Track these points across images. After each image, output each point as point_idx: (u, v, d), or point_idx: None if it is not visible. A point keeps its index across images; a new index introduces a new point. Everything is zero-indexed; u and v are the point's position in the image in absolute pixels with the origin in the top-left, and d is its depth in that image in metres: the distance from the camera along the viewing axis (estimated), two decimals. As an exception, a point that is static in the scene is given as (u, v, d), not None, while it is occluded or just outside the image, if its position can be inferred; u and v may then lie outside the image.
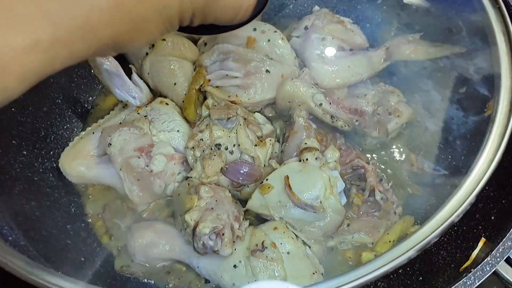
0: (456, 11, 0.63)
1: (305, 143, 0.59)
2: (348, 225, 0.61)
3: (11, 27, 0.30)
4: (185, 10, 0.39)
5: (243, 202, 0.59)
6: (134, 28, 0.36)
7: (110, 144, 0.60)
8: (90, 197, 0.64)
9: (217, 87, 0.62)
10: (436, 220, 0.48)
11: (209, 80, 0.62)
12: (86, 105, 0.69)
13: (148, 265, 0.59)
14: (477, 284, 0.52)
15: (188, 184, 0.59)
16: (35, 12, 0.30)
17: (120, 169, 0.59)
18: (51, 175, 0.62)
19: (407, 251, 0.46)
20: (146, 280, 0.59)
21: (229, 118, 0.60)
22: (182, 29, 0.44)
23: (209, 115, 0.61)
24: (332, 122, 0.63)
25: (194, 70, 0.64)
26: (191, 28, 0.45)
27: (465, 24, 0.62)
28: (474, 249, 0.57)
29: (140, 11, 0.36)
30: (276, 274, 0.55)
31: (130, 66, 0.65)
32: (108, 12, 0.34)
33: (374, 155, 0.65)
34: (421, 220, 0.61)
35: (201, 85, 0.62)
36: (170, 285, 0.59)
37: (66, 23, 0.32)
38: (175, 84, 0.64)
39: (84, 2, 0.33)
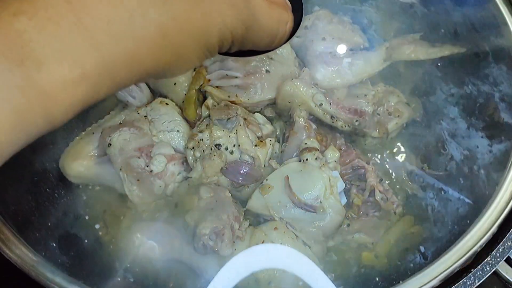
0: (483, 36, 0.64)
1: (305, 143, 0.59)
2: (348, 225, 0.61)
3: (59, 59, 0.30)
4: (224, 39, 0.40)
5: (243, 202, 0.59)
6: (176, 57, 0.37)
7: (110, 144, 0.59)
8: (90, 197, 0.64)
9: (217, 87, 0.62)
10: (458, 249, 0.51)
11: (209, 80, 0.62)
12: (86, 105, 0.69)
13: (148, 265, 0.58)
14: (477, 284, 0.52)
15: (188, 184, 0.59)
16: (83, 44, 0.31)
17: (120, 169, 0.59)
18: (51, 175, 0.62)
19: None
20: (145, 280, 0.59)
21: (229, 118, 0.60)
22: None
23: (209, 115, 0.61)
24: (332, 122, 0.63)
25: (194, 70, 0.63)
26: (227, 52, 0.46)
27: (491, 48, 0.63)
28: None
29: (182, 40, 0.37)
30: (277, 274, 0.55)
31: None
32: (152, 42, 0.35)
33: (374, 155, 0.65)
34: (421, 220, 0.61)
35: (201, 85, 0.62)
36: (170, 285, 0.59)
37: (113, 54, 0.33)
38: (175, 84, 0.63)
39: (130, 33, 0.33)
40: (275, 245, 0.55)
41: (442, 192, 0.61)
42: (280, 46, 0.50)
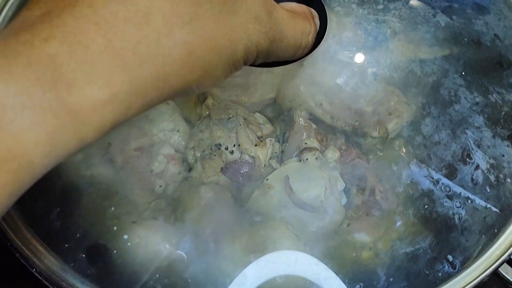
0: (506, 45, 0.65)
1: (305, 143, 0.59)
2: (348, 225, 0.60)
3: (90, 80, 0.31)
4: (249, 53, 0.41)
5: (243, 201, 0.59)
6: (203, 74, 0.37)
7: (110, 144, 0.59)
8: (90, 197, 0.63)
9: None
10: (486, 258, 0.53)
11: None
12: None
13: (147, 265, 0.58)
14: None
15: (189, 184, 0.59)
16: (112, 66, 0.32)
17: (120, 169, 0.59)
18: (78, 187, 0.62)
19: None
20: (145, 279, 0.59)
21: (229, 118, 0.60)
22: None
23: (209, 115, 0.61)
24: (332, 122, 0.63)
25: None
26: None
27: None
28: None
29: (209, 58, 0.37)
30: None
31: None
32: (180, 63, 0.35)
33: (374, 155, 0.65)
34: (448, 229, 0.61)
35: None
36: (170, 285, 0.59)
37: (142, 75, 0.33)
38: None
39: (159, 54, 0.34)
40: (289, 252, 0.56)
41: (469, 201, 0.60)
42: (304, 56, 0.51)
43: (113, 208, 0.61)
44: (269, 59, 0.45)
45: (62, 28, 0.31)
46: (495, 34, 0.65)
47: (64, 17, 0.31)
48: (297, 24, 0.46)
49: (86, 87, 0.30)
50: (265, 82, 0.62)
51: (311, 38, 0.49)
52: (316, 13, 0.53)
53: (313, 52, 0.52)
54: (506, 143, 0.62)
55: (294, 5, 0.50)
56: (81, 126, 0.31)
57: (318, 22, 0.53)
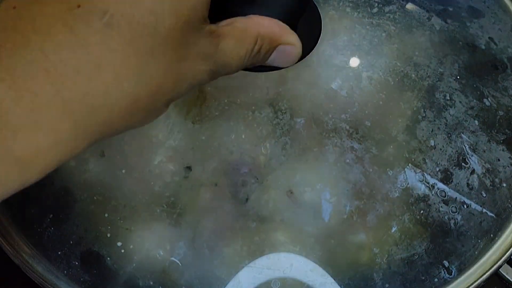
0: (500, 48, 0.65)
1: (305, 144, 0.60)
2: (346, 227, 0.60)
3: (35, 128, 0.31)
4: (192, 88, 0.41)
5: (243, 202, 0.58)
6: (146, 115, 0.38)
7: (104, 151, 0.59)
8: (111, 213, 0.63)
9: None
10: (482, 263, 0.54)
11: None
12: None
13: (147, 264, 0.58)
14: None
15: (188, 185, 0.58)
16: (58, 115, 0.32)
17: (121, 169, 0.59)
18: (51, 175, 0.61)
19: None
20: (144, 280, 0.58)
21: (228, 119, 0.60)
22: None
23: (208, 116, 0.60)
24: (329, 125, 0.62)
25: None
26: None
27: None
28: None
29: (153, 101, 0.37)
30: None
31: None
32: (125, 111, 0.35)
33: (370, 159, 0.63)
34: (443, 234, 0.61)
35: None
36: (169, 284, 0.58)
37: (88, 123, 0.33)
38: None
39: (106, 105, 0.34)
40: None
41: (465, 206, 0.60)
42: (300, 60, 0.50)
43: (107, 215, 0.61)
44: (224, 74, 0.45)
45: (12, 72, 0.30)
46: (489, 37, 0.66)
47: (15, 59, 0.31)
48: (242, 49, 0.44)
49: (31, 134, 0.31)
50: (262, 84, 0.62)
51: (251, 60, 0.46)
52: (291, 40, 0.49)
53: (315, 50, 0.52)
54: (501, 147, 0.62)
55: (263, 23, 0.46)
56: (25, 170, 0.31)
57: (296, 43, 0.49)
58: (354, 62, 0.64)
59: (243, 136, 0.58)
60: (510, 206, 0.57)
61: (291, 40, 0.48)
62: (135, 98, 0.36)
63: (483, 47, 0.66)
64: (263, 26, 0.46)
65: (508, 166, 0.62)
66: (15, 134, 0.30)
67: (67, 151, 0.33)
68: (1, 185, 0.31)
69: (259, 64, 0.48)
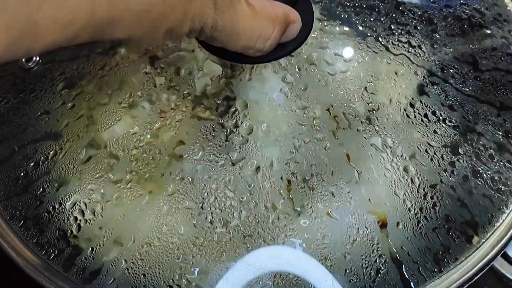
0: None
1: None
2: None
3: (57, 4, 0.33)
4: (193, 32, 0.44)
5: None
6: (146, 33, 0.40)
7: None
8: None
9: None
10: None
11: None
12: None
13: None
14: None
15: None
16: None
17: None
18: (51, 175, 0.61)
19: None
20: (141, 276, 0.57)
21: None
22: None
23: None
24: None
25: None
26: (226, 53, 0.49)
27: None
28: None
29: (159, 22, 0.40)
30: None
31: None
32: (135, 14, 0.38)
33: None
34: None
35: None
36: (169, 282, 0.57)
37: (100, 13, 0.35)
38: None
39: (125, 4, 0.37)
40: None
41: (458, 201, 0.59)
42: (285, 55, 0.54)
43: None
44: (213, 43, 0.47)
45: None
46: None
47: None
48: (255, 26, 0.47)
49: (51, 8, 0.32)
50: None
51: (268, 45, 0.50)
52: (296, 17, 0.54)
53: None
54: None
55: (271, 4, 0.50)
56: (33, 42, 0.33)
57: (297, 26, 0.54)
58: (343, 65, 0.64)
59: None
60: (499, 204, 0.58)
61: (297, 18, 0.54)
62: (149, 8, 0.38)
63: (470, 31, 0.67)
64: (281, 6, 0.51)
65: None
66: (41, 4, 0.32)
67: (73, 36, 0.35)
68: (12, 45, 0.32)
69: (279, 42, 0.52)
